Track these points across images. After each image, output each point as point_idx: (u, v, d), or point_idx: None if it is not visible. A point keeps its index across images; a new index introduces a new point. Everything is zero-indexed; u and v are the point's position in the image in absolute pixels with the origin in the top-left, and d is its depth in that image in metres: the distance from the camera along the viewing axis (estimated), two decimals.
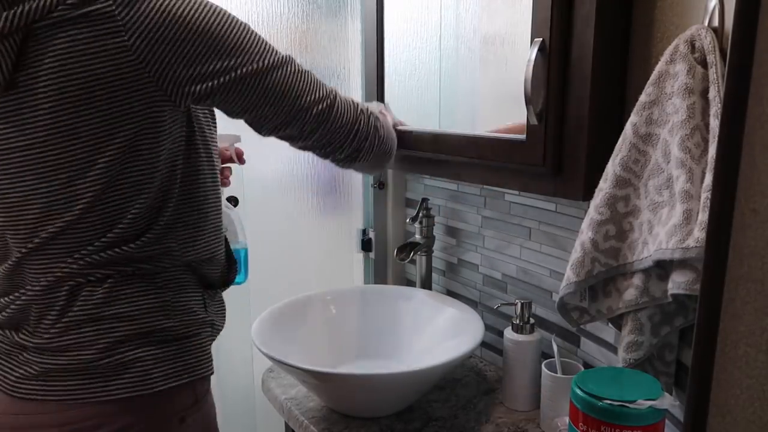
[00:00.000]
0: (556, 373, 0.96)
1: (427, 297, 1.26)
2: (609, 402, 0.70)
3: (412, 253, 1.26)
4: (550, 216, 1.07)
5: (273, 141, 0.85)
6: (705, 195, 0.67)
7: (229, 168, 0.99)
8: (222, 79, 0.74)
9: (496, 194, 1.18)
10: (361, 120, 0.89)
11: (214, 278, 0.88)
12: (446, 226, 1.33)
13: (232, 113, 0.80)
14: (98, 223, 0.73)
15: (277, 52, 0.79)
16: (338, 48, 1.38)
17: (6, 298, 0.76)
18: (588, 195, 0.84)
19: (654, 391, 0.71)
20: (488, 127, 1.06)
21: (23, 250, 0.74)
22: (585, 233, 0.79)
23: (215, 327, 0.87)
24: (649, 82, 0.75)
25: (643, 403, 0.69)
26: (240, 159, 0.99)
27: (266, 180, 1.34)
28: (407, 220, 1.31)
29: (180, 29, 0.70)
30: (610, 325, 0.87)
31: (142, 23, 0.67)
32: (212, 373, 0.83)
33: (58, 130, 0.68)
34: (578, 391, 0.73)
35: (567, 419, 0.78)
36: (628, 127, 0.77)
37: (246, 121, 0.82)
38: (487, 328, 1.21)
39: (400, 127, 1.13)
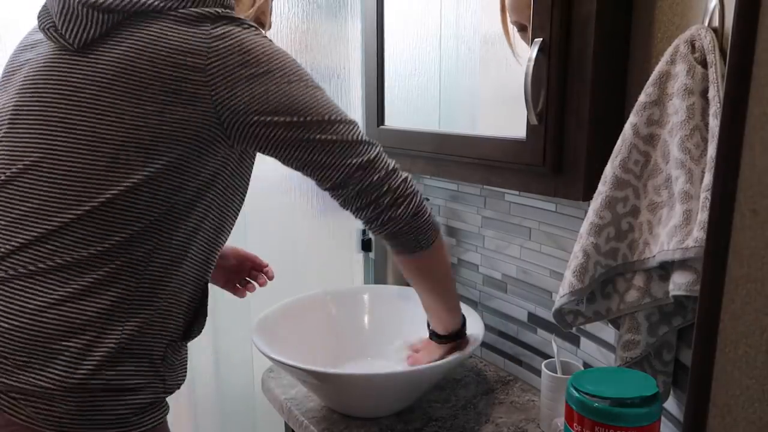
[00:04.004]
0: (556, 373, 0.96)
1: None
2: (602, 402, 0.70)
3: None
4: (550, 216, 1.07)
5: None
6: (704, 195, 0.67)
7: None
8: (283, 134, 0.76)
9: (496, 194, 1.18)
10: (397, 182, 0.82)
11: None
12: (446, 226, 1.33)
13: (285, 163, 0.80)
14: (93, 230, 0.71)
15: (342, 117, 0.79)
16: (338, 48, 1.39)
17: None
18: (588, 195, 0.84)
19: (649, 389, 0.70)
20: (488, 127, 1.06)
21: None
22: (586, 238, 0.79)
23: (167, 385, 0.79)
24: (648, 82, 0.75)
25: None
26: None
27: (266, 180, 1.34)
28: None
29: (256, 67, 0.73)
30: (609, 325, 0.87)
31: (224, 54, 0.71)
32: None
33: (108, 113, 0.70)
34: (573, 392, 0.73)
35: None
36: (627, 128, 0.77)
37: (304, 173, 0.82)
38: (487, 328, 1.21)
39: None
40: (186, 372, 0.85)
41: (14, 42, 1.09)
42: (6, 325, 0.69)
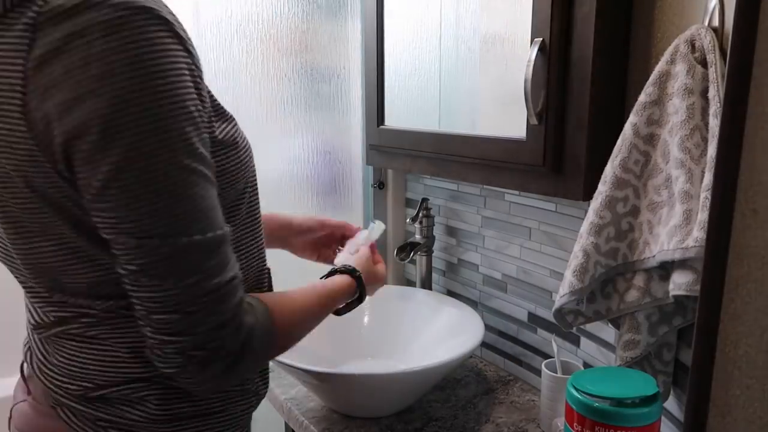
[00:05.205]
0: (556, 373, 0.97)
1: (427, 297, 1.26)
2: (602, 402, 0.70)
3: (412, 253, 1.26)
4: (550, 216, 1.07)
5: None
6: (704, 195, 0.67)
7: None
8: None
9: (496, 194, 1.18)
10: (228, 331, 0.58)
11: None
12: (446, 226, 1.33)
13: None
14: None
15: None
16: (338, 48, 1.38)
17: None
18: (588, 195, 0.84)
19: (649, 389, 0.71)
20: (488, 127, 1.06)
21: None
22: (586, 238, 0.79)
23: (258, 395, 0.74)
24: (648, 82, 0.75)
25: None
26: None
27: (266, 180, 1.33)
28: (407, 220, 1.32)
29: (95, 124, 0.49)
30: (609, 324, 0.87)
31: (48, 87, 0.48)
32: None
33: None
34: (573, 392, 0.73)
35: None
36: (627, 128, 0.77)
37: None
38: (487, 328, 1.21)
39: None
40: (268, 379, 0.77)
41: None
42: (103, 367, 0.64)
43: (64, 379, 0.66)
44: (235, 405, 0.70)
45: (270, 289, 0.78)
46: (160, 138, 0.51)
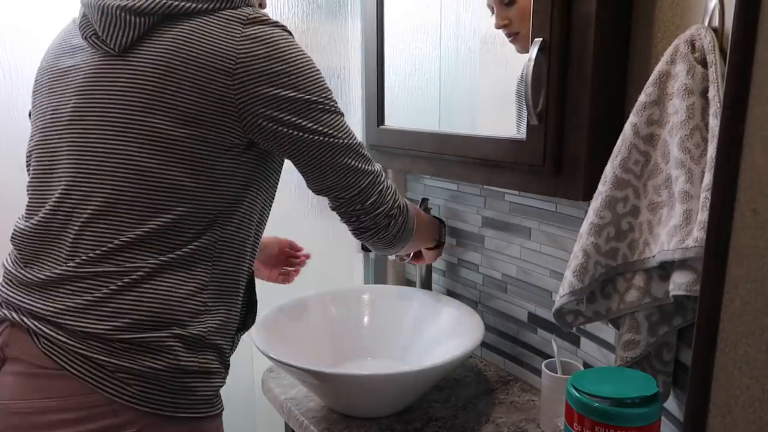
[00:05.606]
0: (556, 373, 0.97)
1: (427, 297, 1.26)
2: (602, 402, 0.70)
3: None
4: (550, 216, 1.07)
5: None
6: (704, 195, 0.67)
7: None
8: (302, 135, 0.80)
9: (496, 194, 1.18)
10: (395, 206, 0.92)
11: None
12: (446, 226, 1.33)
13: (293, 161, 0.87)
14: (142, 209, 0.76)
15: (353, 135, 0.86)
16: (338, 48, 1.39)
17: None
18: (588, 195, 0.84)
19: (649, 389, 0.71)
20: (488, 127, 1.06)
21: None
22: (586, 238, 0.79)
23: (227, 371, 0.87)
24: (648, 82, 0.75)
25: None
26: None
27: None
28: None
29: (282, 77, 0.77)
30: (609, 325, 0.87)
31: (252, 59, 0.75)
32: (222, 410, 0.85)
33: (157, 102, 0.74)
34: (573, 392, 0.73)
35: None
36: (627, 128, 0.77)
37: (303, 174, 0.88)
38: (487, 328, 1.21)
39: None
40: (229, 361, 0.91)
41: (15, 44, 1.09)
42: (129, 316, 0.75)
43: (91, 319, 0.73)
44: (224, 370, 0.84)
45: (252, 286, 0.93)
46: (328, 93, 0.82)
